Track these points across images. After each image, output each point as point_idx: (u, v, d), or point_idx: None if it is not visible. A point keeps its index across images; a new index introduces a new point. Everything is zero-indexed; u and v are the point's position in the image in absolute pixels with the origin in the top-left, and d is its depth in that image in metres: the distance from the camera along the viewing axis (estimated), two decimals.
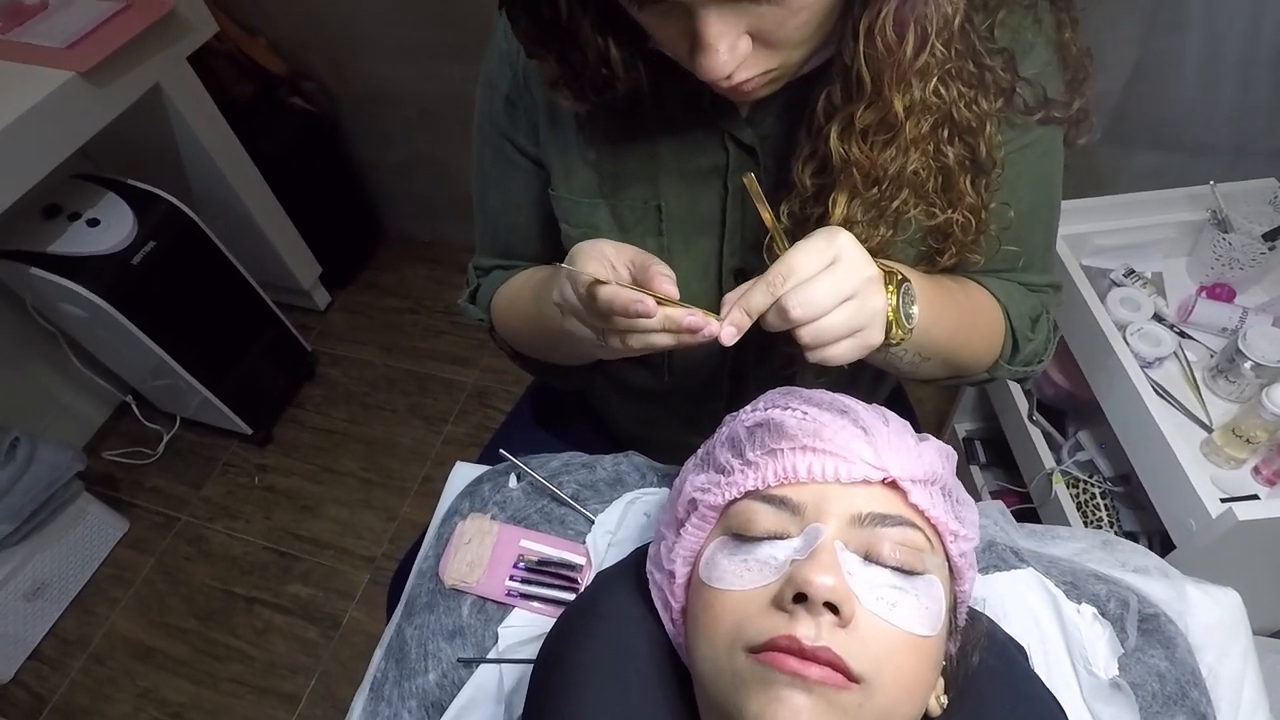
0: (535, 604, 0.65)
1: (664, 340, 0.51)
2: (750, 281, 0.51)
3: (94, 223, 1.48)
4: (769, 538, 0.45)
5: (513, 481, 0.72)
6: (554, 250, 0.73)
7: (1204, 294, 1.17)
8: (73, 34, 1.31)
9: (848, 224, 0.55)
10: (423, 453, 1.87)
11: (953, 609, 0.47)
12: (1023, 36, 0.56)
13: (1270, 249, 1.11)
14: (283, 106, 1.94)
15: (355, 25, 1.78)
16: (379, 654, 0.66)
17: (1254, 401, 0.97)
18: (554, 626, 0.53)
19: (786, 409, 0.49)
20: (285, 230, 1.93)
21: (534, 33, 0.54)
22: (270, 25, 1.86)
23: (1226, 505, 0.88)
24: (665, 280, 0.50)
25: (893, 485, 0.45)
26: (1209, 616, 0.63)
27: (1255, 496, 0.98)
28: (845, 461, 0.45)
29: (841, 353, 0.51)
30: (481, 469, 0.77)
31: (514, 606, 0.65)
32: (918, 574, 0.43)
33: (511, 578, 0.65)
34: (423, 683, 0.62)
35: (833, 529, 0.43)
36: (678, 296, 0.50)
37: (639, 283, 0.52)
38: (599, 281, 0.50)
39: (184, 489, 1.87)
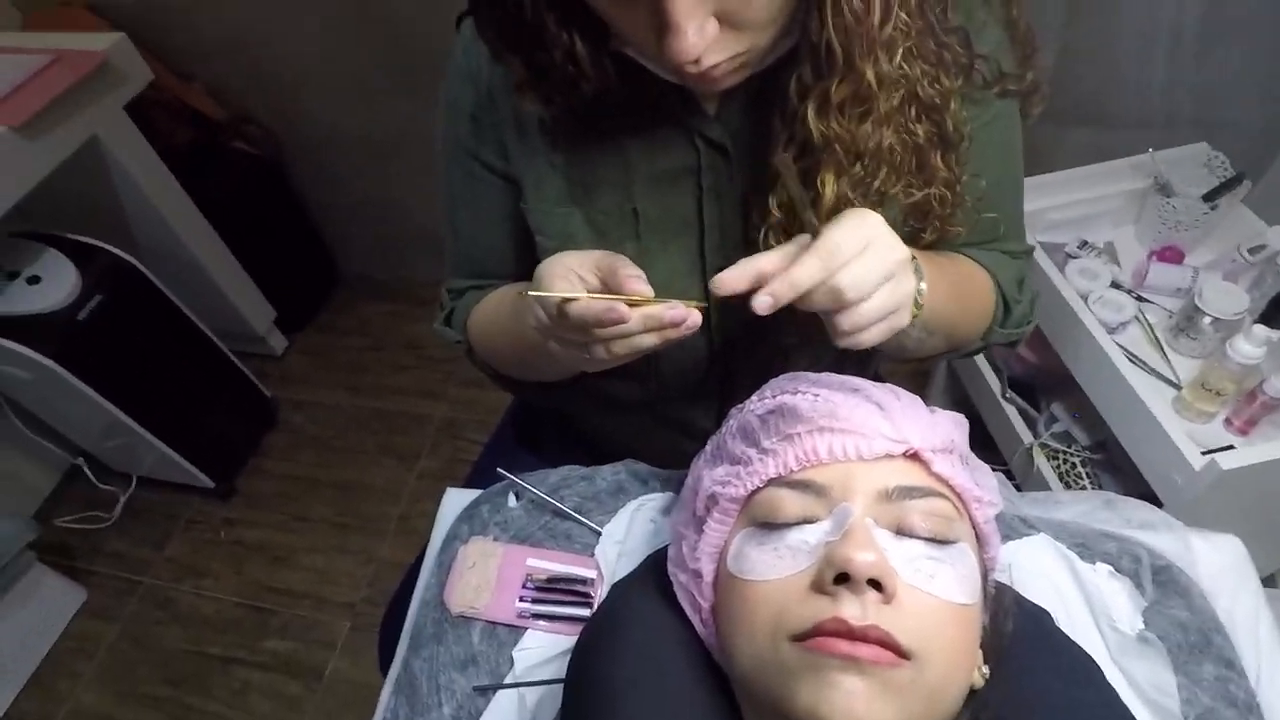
0: (548, 623, 0.63)
1: (649, 340, 0.50)
2: (784, 249, 0.49)
3: (34, 280, 1.41)
4: (797, 523, 0.44)
5: (512, 500, 0.70)
6: (529, 266, 0.71)
7: (1155, 258, 1.21)
8: (4, 88, 1.26)
9: (839, 202, 0.54)
10: (396, 492, 1.82)
11: (984, 577, 0.47)
12: (975, 16, 0.58)
13: (1212, 208, 1.15)
14: (225, 151, 1.89)
15: (295, 67, 1.75)
16: (386, 692, 0.63)
17: (1217, 354, 1.01)
18: (579, 642, 0.51)
19: (797, 393, 0.48)
20: (236, 276, 1.88)
21: (500, 33, 0.53)
22: (207, 70, 1.81)
23: (1209, 457, 0.91)
24: (635, 280, 0.49)
25: (914, 457, 0.45)
26: (1215, 564, 0.64)
27: (1231, 447, 1.00)
28: (865, 438, 0.44)
29: (873, 336, 0.50)
30: (474, 493, 0.74)
31: (526, 628, 0.63)
32: (950, 543, 0.43)
33: (521, 599, 0.63)
34: (437, 717, 0.59)
35: (861, 507, 0.43)
36: (651, 294, 0.49)
37: (609, 288, 0.50)
38: (567, 299, 0.49)
39: (146, 551, 1.78)
